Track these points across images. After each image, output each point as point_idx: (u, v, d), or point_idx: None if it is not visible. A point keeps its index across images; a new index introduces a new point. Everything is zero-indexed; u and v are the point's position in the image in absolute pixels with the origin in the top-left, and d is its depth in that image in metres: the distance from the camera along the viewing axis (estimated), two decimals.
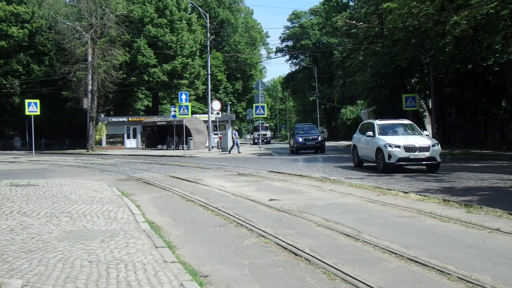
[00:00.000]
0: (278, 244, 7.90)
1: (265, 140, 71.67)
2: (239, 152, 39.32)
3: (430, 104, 39.08)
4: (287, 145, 51.31)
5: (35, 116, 39.51)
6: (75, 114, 57.10)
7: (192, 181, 17.77)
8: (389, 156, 19.02)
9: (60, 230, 8.71)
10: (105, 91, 50.71)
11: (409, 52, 34.96)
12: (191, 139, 48.31)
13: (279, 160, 30.32)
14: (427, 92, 40.74)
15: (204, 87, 62.93)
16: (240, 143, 44.87)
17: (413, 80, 44.13)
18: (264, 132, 72.94)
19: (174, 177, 19.74)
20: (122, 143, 57.90)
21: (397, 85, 41.83)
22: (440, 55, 31.76)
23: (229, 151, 39.84)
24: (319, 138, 38.02)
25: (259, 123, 58.65)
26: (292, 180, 17.57)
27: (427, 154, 18.99)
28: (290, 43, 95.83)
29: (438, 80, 37.67)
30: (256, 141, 64.47)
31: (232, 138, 40.93)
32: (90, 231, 8.67)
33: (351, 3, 70.69)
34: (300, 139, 37.39)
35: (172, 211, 11.51)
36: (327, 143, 69.02)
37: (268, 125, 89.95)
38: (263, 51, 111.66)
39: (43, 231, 8.65)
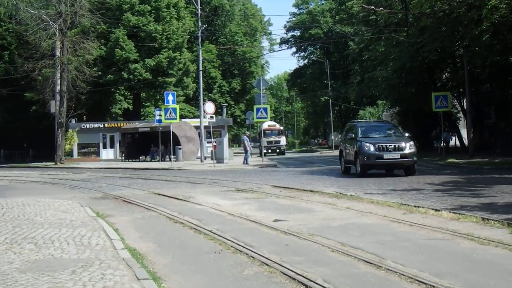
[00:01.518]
0: (284, 273, 7.86)
1: (278, 150, 63.87)
2: (246, 163, 39.20)
3: (465, 103, 39.08)
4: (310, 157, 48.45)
5: None
6: (41, 120, 57.01)
7: (181, 199, 17.77)
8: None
9: (22, 260, 8.66)
10: (76, 91, 50.57)
11: (439, 42, 34.98)
12: (180, 149, 48.26)
13: (285, 173, 30.32)
14: (461, 89, 40.84)
15: (195, 86, 62.94)
16: (236, 154, 44.82)
17: (444, 76, 44.23)
18: (277, 139, 64.40)
19: (159, 194, 19.74)
20: (97, 154, 57.82)
21: (425, 82, 41.92)
22: (476, 46, 31.79)
23: (245, 161, 40.09)
24: (407, 148, 24.78)
25: (263, 127, 57.40)
26: (301, 196, 17.55)
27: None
28: (297, 32, 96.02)
29: (473, 75, 37.69)
30: (264, 150, 53.22)
31: (245, 145, 40.99)
32: (59, 261, 8.62)
33: None
34: (371, 149, 24.49)
35: (158, 235, 11.49)
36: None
37: (281, 127, 75.48)
38: (265, 43, 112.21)
39: (1, 260, 8.60)
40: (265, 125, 62.82)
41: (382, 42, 48.25)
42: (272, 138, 63.50)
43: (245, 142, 41.60)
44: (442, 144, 40.11)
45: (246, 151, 40.74)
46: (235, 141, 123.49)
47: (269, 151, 61.37)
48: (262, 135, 60.32)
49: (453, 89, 42.00)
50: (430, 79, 42.45)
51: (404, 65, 39.41)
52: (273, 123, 70.63)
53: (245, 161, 39.94)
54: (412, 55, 38.07)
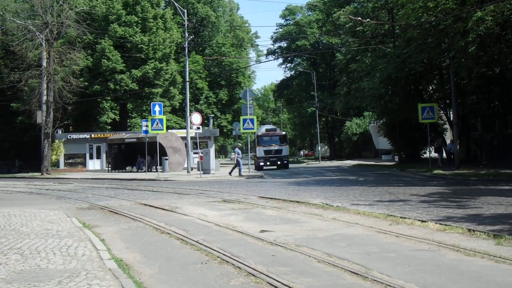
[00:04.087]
0: (271, 284, 7.87)
1: (279, 162, 53.13)
2: (240, 175, 39.00)
3: (451, 115, 39.25)
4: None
5: None
6: (27, 130, 56.85)
7: (167, 210, 17.74)
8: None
9: (8, 270, 8.64)
10: (63, 102, 50.49)
11: (425, 54, 35.16)
12: (167, 159, 48.20)
13: (272, 184, 30.34)
14: (447, 101, 40.95)
15: (182, 97, 62.98)
16: (223, 164, 44.63)
17: (430, 87, 44.41)
18: (277, 147, 53.47)
19: (146, 204, 19.70)
20: (84, 164, 57.72)
21: (411, 93, 42.05)
22: (462, 57, 31.87)
23: (230, 173, 39.74)
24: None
25: (260, 132, 54.69)
26: (288, 207, 17.55)
27: None
28: (283, 43, 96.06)
29: (460, 86, 37.82)
30: (260, 163, 50.21)
31: (236, 157, 40.75)
32: (45, 271, 8.61)
33: None
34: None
35: (144, 246, 11.46)
36: (328, 163, 69.18)
37: (284, 132, 64.35)
38: (252, 54, 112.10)
39: None
40: (262, 130, 57.54)
41: (369, 53, 48.57)
42: (271, 147, 53.28)
43: (236, 154, 41.22)
44: (443, 155, 40.02)
45: (238, 164, 40.28)
46: (222, 152, 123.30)
47: (267, 163, 52.65)
48: (257, 142, 53.68)
49: (440, 101, 42.12)
50: (416, 90, 42.59)
51: (390, 76, 39.49)
52: (272, 126, 63.69)
53: (239, 172, 39.65)
54: (399, 66, 38.19)
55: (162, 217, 16.06)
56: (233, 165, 41.05)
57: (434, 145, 43.88)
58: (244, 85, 79.00)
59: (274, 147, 53.15)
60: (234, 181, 33.62)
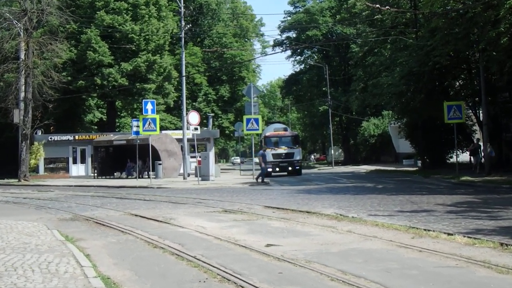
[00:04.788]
0: None
1: (290, 168, 51.12)
2: (263, 182, 38.82)
3: (481, 115, 39.16)
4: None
5: None
6: (3, 131, 56.92)
7: (161, 221, 17.74)
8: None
9: None
10: (43, 99, 50.34)
11: (451, 45, 35.12)
12: (160, 164, 48.23)
13: (279, 192, 30.34)
14: (476, 98, 40.89)
15: (177, 94, 62.97)
16: (224, 170, 44.48)
17: (457, 83, 44.36)
18: (288, 150, 51.19)
19: (137, 215, 19.69)
20: (67, 169, 57.72)
21: (436, 90, 42.00)
22: (493, 49, 31.85)
23: (257, 179, 39.69)
24: None
25: (267, 133, 53.32)
26: (297, 218, 17.54)
27: None
28: (292, 34, 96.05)
29: (490, 82, 37.76)
30: (268, 169, 44.78)
31: (260, 162, 40.63)
32: None
33: None
34: None
35: (135, 262, 11.45)
36: (342, 168, 69.05)
37: (296, 132, 64.59)
38: (256, 46, 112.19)
39: None
40: (269, 130, 55.80)
41: (388, 45, 48.57)
42: (281, 150, 51.00)
43: (261, 158, 40.84)
44: (481, 160, 39.00)
45: (262, 168, 40.07)
46: (223, 155, 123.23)
47: (276, 169, 50.27)
48: (264, 144, 51.98)
49: (468, 98, 42.08)
50: (441, 86, 42.54)
51: (412, 71, 39.46)
52: (281, 125, 60.97)
53: (260, 178, 39.55)
54: (422, 59, 38.15)
55: (155, 229, 16.06)
56: (260, 170, 40.39)
57: (469, 147, 43.31)
58: (248, 80, 79.12)
59: (285, 150, 50.90)
60: (237, 189, 33.63)
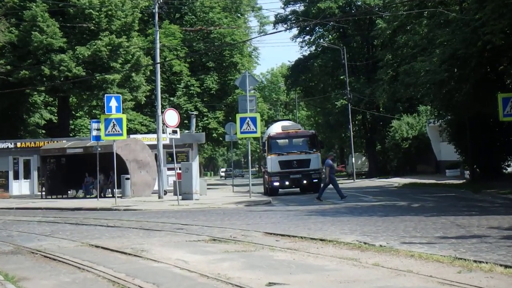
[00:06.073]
0: None
1: (305, 181, 48.35)
2: (319, 199, 37.65)
3: None
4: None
5: None
6: None
7: (130, 254, 17.68)
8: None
9: None
10: None
11: (506, 20, 34.97)
12: (128, 179, 48.32)
13: (283, 213, 30.35)
14: None
15: (150, 86, 63.10)
16: (211, 186, 44.20)
17: None
18: (301, 156, 48.47)
19: (98, 246, 19.64)
20: (6, 187, 57.74)
21: (487, 78, 41.96)
22: None
23: (319, 197, 38.29)
24: None
25: (272, 131, 51.73)
26: (308, 248, 17.46)
27: None
28: (300, 6, 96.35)
29: None
30: (274, 183, 45.51)
31: (326, 175, 39.18)
32: None
33: None
34: None
35: None
36: (367, 181, 69.23)
37: (313, 131, 59.06)
38: (253, 22, 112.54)
39: None
40: (275, 129, 52.85)
41: (425, 20, 48.48)
42: (292, 155, 48.35)
43: (327, 168, 39.05)
44: None
45: (332, 182, 38.72)
46: (210, 166, 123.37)
47: (286, 183, 48.04)
48: (268, 148, 48.99)
49: None
50: (494, 73, 42.54)
51: (456, 53, 39.39)
52: (291, 123, 59.50)
53: (320, 193, 38.54)
54: (468, 38, 38.07)
55: (121, 264, 15.96)
56: (323, 185, 39.46)
57: None
58: (242, 68, 79.31)
59: (297, 155, 48.05)
60: (229, 211, 33.73)
